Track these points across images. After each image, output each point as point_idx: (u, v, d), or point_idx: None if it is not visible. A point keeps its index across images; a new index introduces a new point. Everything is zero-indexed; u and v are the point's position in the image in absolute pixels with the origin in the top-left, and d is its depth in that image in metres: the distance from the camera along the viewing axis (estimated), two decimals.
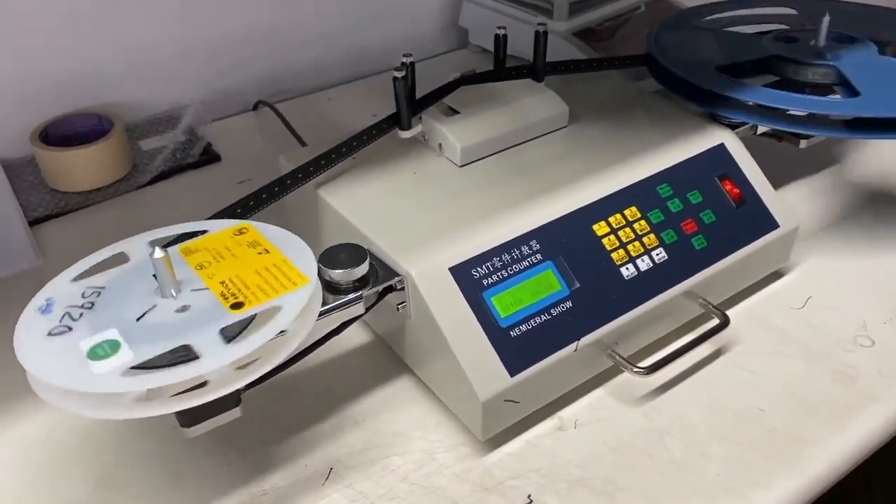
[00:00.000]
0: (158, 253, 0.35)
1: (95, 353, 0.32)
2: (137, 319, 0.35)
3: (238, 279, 0.37)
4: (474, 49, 0.89)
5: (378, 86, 0.83)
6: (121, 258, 0.40)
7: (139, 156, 0.69)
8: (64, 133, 0.67)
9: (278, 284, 0.37)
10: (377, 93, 0.82)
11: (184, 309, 0.35)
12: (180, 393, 0.33)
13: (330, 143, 0.51)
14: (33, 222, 0.62)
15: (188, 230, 0.42)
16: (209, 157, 0.70)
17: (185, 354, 0.33)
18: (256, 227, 0.41)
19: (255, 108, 0.79)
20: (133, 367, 0.32)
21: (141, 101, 0.74)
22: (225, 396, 0.34)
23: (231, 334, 0.34)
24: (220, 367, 0.33)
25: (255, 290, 0.37)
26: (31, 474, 0.43)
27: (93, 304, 0.35)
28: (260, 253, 0.39)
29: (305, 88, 0.83)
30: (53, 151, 0.63)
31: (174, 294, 0.36)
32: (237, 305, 0.36)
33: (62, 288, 0.37)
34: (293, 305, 0.36)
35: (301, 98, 0.81)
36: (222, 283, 0.37)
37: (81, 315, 0.35)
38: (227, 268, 0.38)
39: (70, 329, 0.34)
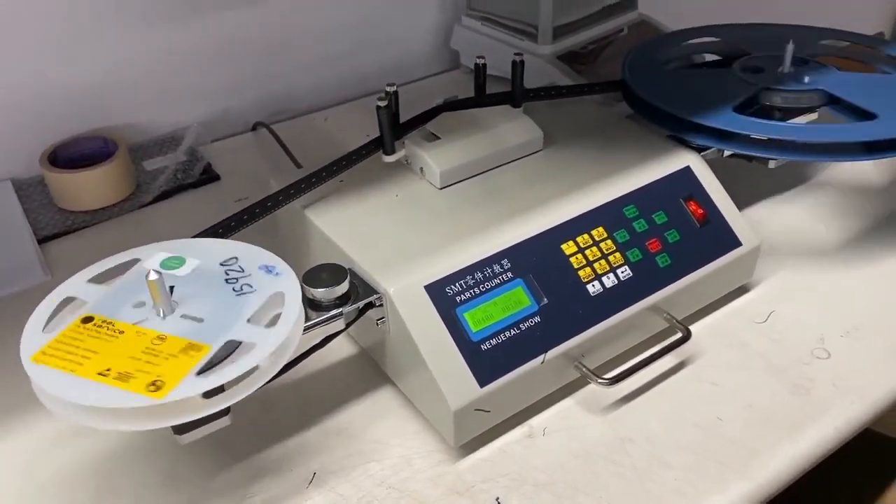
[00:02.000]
0: (153, 275, 0.39)
1: None
2: None
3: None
4: (465, 70, 0.92)
5: (372, 106, 0.86)
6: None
7: (143, 175, 0.73)
8: (71, 155, 0.71)
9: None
10: (371, 113, 0.84)
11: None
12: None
13: (316, 163, 0.54)
14: (42, 240, 0.66)
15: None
16: (209, 176, 0.73)
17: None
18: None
19: (253, 128, 0.82)
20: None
21: (145, 123, 0.78)
22: None
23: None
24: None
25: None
26: (36, 481, 0.47)
27: None
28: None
29: (302, 109, 0.86)
30: (61, 173, 0.67)
31: (163, 315, 0.39)
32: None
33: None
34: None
35: (298, 119, 0.85)
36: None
37: None
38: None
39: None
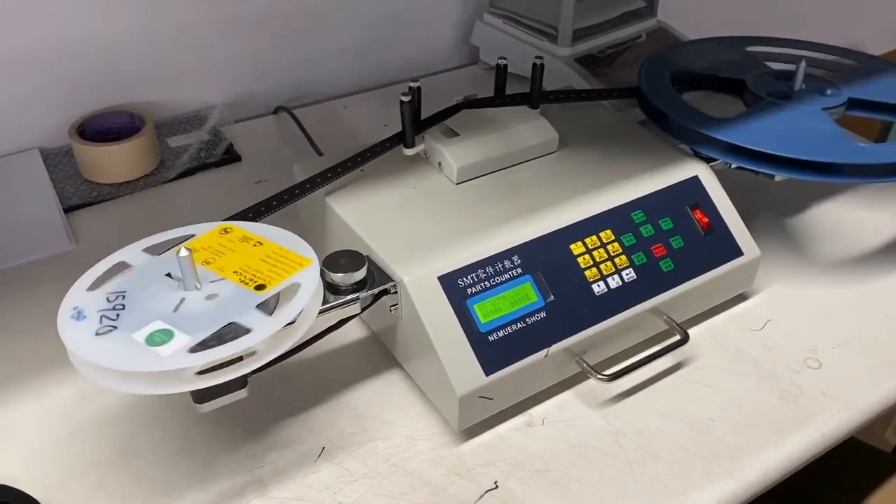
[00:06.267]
0: (184, 252, 0.41)
1: (153, 341, 0.38)
2: (174, 311, 0.40)
3: (248, 267, 0.43)
4: (484, 66, 0.94)
5: (391, 97, 0.88)
6: (122, 266, 0.45)
7: (166, 152, 0.75)
8: (98, 128, 0.73)
9: (287, 267, 0.43)
10: (390, 103, 0.87)
11: (212, 297, 0.41)
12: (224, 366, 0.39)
13: (342, 153, 0.57)
14: (68, 209, 0.68)
15: (176, 235, 0.47)
16: (231, 157, 0.75)
17: (234, 331, 0.39)
18: (240, 225, 0.47)
19: (275, 112, 0.84)
20: (194, 347, 0.38)
21: (169, 101, 0.80)
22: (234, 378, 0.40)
23: (270, 308, 0.40)
24: (271, 335, 0.39)
25: (268, 274, 0.42)
26: (62, 438, 0.49)
27: (123, 305, 0.41)
28: (255, 245, 0.45)
29: (323, 96, 0.88)
30: (90, 146, 0.69)
31: (198, 286, 0.42)
32: (260, 287, 0.42)
33: (83, 297, 0.42)
34: (310, 281, 0.43)
35: (318, 105, 0.87)
36: (235, 272, 0.43)
37: (119, 316, 0.40)
38: (231, 260, 0.44)
39: (115, 328, 0.40)
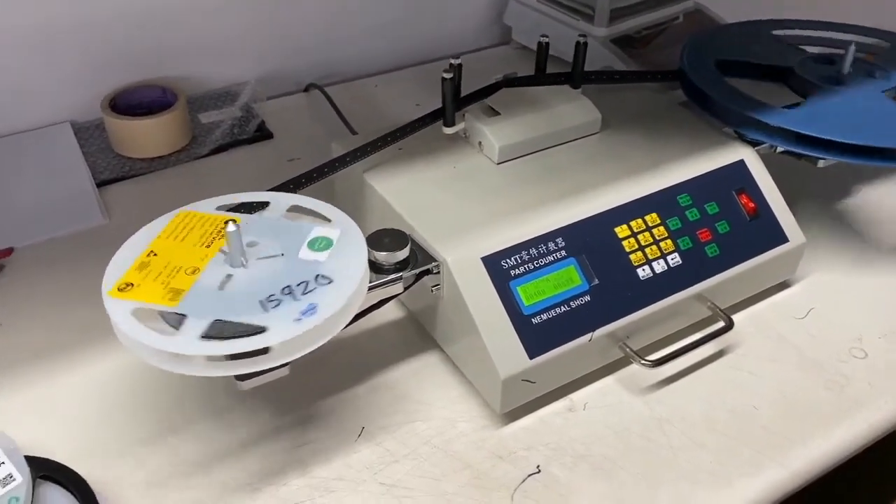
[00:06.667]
0: (231, 227, 0.40)
1: None
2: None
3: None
4: (515, 46, 0.93)
5: (422, 76, 0.88)
6: None
7: (198, 128, 0.74)
8: (130, 102, 0.72)
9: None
10: (421, 83, 0.86)
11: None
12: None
13: (376, 131, 0.56)
14: (100, 184, 0.68)
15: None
16: (262, 133, 0.75)
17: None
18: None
19: (305, 90, 0.83)
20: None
21: (201, 76, 0.79)
22: None
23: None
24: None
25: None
26: (101, 413, 0.49)
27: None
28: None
29: (354, 74, 0.87)
30: (123, 120, 0.69)
31: (244, 262, 0.41)
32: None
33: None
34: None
35: (348, 83, 0.86)
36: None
37: None
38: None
39: None
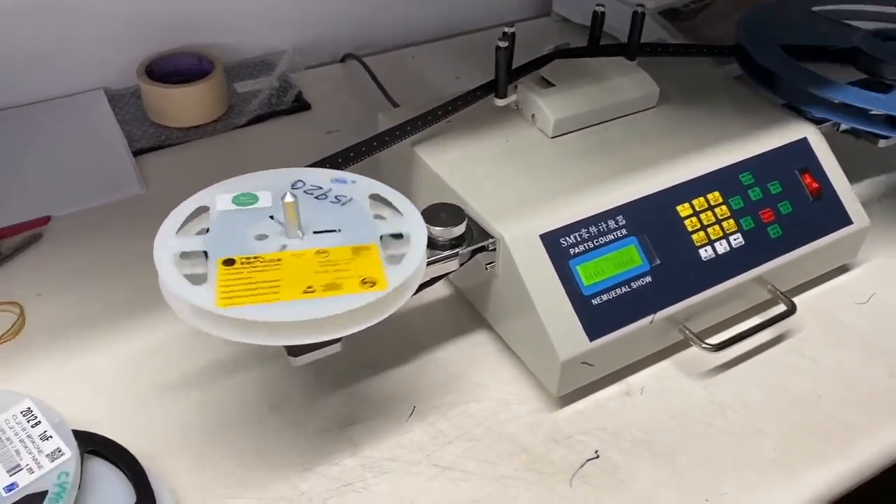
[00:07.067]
0: (289, 198, 0.39)
1: None
2: None
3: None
4: (556, 18, 0.90)
5: (460, 46, 0.85)
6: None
7: (234, 97, 0.72)
8: (166, 69, 0.71)
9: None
10: (459, 54, 0.84)
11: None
12: None
13: (419, 103, 0.54)
14: (136, 153, 0.66)
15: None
16: (300, 104, 0.73)
17: None
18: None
19: (342, 60, 0.81)
20: None
21: (236, 45, 0.77)
22: None
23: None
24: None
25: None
26: (146, 386, 0.48)
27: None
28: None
29: (390, 45, 0.85)
30: (160, 87, 0.67)
31: (301, 234, 0.40)
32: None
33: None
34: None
35: (385, 54, 0.83)
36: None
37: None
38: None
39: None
